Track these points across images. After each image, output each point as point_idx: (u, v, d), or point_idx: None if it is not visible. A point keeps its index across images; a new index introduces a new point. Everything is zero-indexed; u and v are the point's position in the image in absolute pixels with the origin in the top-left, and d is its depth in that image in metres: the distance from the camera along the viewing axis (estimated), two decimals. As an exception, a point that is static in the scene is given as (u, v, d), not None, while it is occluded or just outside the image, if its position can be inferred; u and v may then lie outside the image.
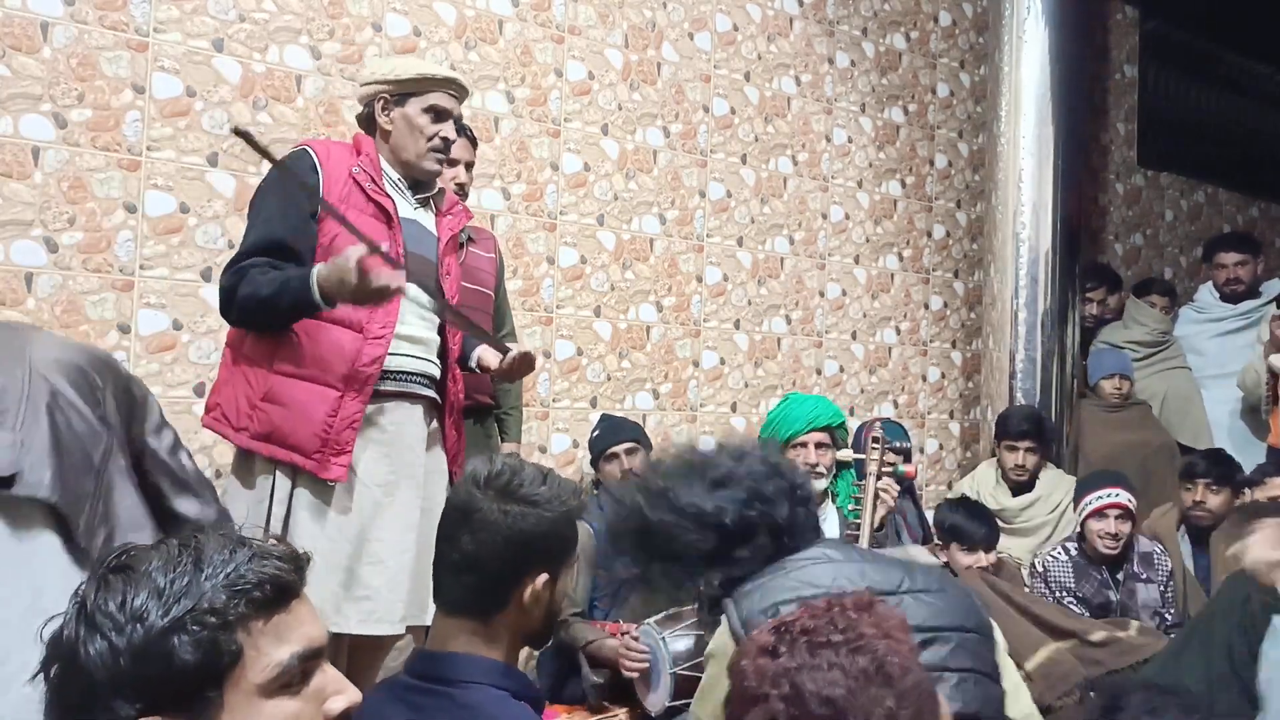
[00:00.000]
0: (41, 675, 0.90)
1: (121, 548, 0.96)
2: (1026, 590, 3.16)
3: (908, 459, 2.83)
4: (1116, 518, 3.09)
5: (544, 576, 1.39)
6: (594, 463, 3.25)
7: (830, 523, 2.65)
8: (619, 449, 3.15)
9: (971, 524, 3.07)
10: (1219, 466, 3.35)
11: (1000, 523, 3.68)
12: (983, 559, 3.06)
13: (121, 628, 0.87)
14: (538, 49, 3.42)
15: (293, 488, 2.02)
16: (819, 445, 2.68)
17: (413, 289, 2.05)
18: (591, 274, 3.54)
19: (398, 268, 1.95)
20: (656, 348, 3.69)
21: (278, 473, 2.02)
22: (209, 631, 0.88)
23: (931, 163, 4.54)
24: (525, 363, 2.25)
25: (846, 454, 2.75)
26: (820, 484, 2.66)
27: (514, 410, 2.98)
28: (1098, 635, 2.88)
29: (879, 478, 2.63)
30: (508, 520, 1.38)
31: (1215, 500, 3.29)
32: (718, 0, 3.85)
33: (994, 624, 1.52)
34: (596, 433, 3.26)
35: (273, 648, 0.92)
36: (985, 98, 4.48)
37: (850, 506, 2.66)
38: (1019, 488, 3.69)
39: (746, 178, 3.94)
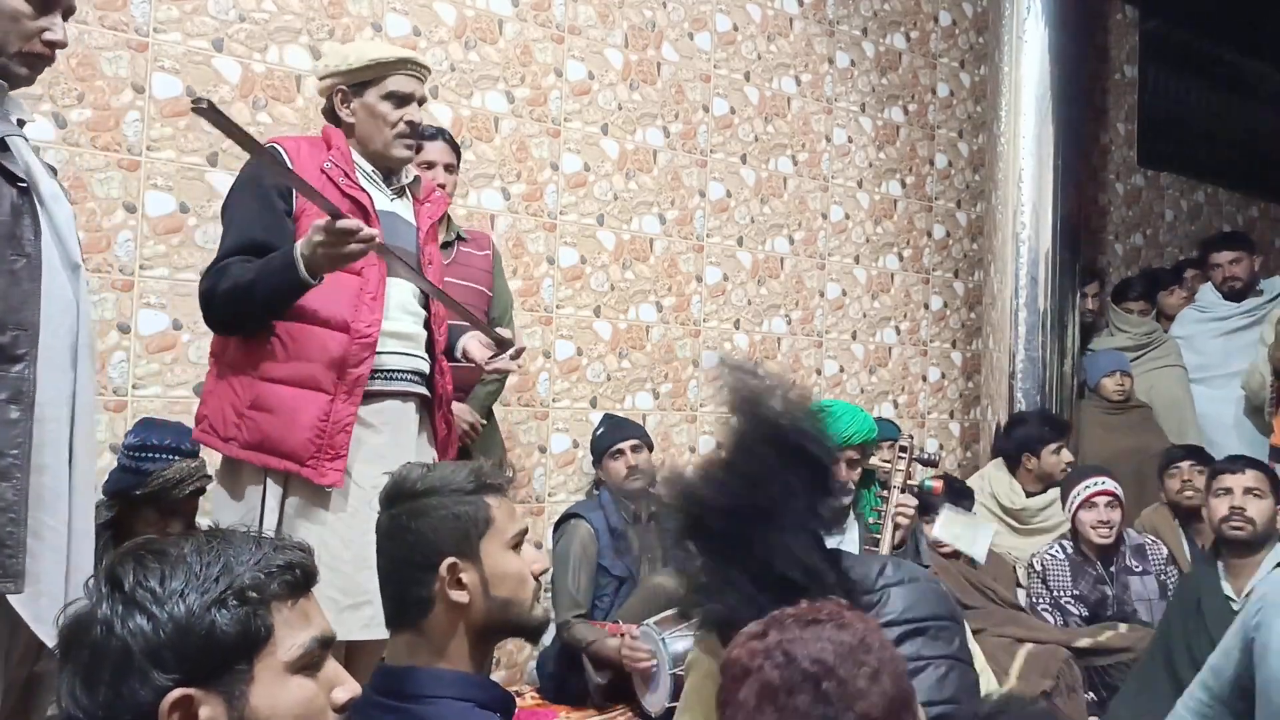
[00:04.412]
0: (60, 653, 0.95)
1: (144, 539, 1.02)
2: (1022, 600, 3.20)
3: (934, 466, 2.65)
4: (1106, 505, 3.12)
5: (450, 561, 1.34)
6: (597, 461, 3.25)
7: (851, 534, 2.58)
8: (624, 445, 3.17)
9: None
10: (1197, 451, 3.50)
11: (1017, 523, 3.68)
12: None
13: (163, 602, 0.92)
14: (538, 49, 3.42)
15: (284, 496, 1.96)
16: (850, 462, 2.53)
17: (397, 268, 2.03)
18: (591, 274, 3.54)
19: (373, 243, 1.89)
20: (656, 348, 3.69)
21: (268, 481, 1.96)
22: (248, 607, 0.95)
23: (931, 163, 4.54)
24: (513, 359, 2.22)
25: (872, 463, 2.59)
26: (845, 499, 2.58)
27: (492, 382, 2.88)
28: (1083, 642, 2.90)
29: (903, 492, 2.51)
30: (396, 525, 1.37)
31: (1202, 479, 3.33)
32: (718, 0, 3.85)
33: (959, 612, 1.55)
34: (600, 430, 3.27)
35: (299, 628, 0.99)
36: (985, 98, 4.48)
37: (872, 520, 2.57)
38: (1046, 488, 3.69)
39: (746, 178, 3.94)
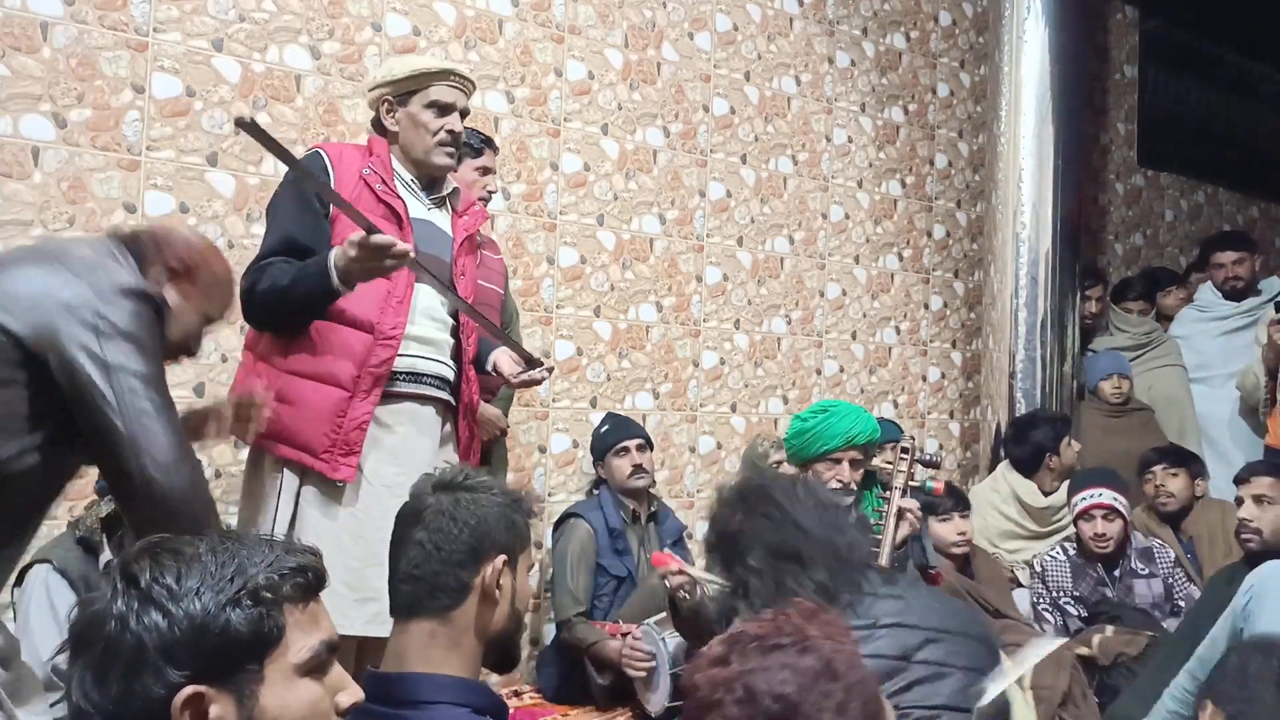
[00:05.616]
0: (72, 647, 0.95)
1: (157, 537, 1.02)
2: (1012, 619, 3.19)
3: (936, 467, 2.63)
4: (1103, 518, 3.10)
5: (502, 558, 1.37)
6: (600, 458, 3.24)
7: None
8: (630, 444, 3.17)
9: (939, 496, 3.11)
10: (1171, 453, 3.49)
11: (1039, 525, 3.65)
12: (960, 524, 3.17)
13: (179, 599, 0.93)
14: (538, 49, 3.42)
15: (300, 487, 2.02)
16: (853, 463, 2.52)
17: (428, 281, 2.07)
18: (591, 274, 3.54)
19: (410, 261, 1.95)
20: (656, 348, 3.69)
21: (286, 471, 2.03)
22: (262, 607, 0.96)
23: (931, 163, 4.54)
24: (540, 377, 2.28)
25: (874, 464, 2.59)
26: (847, 500, 2.58)
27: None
28: (1080, 651, 2.87)
29: (905, 493, 2.51)
30: (460, 506, 1.37)
31: (1175, 483, 3.37)
32: (717, 0, 3.85)
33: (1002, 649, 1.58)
34: (605, 428, 3.27)
35: (310, 631, 1.00)
36: (985, 98, 4.48)
37: (874, 522, 2.57)
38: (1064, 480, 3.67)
39: (746, 178, 3.93)
